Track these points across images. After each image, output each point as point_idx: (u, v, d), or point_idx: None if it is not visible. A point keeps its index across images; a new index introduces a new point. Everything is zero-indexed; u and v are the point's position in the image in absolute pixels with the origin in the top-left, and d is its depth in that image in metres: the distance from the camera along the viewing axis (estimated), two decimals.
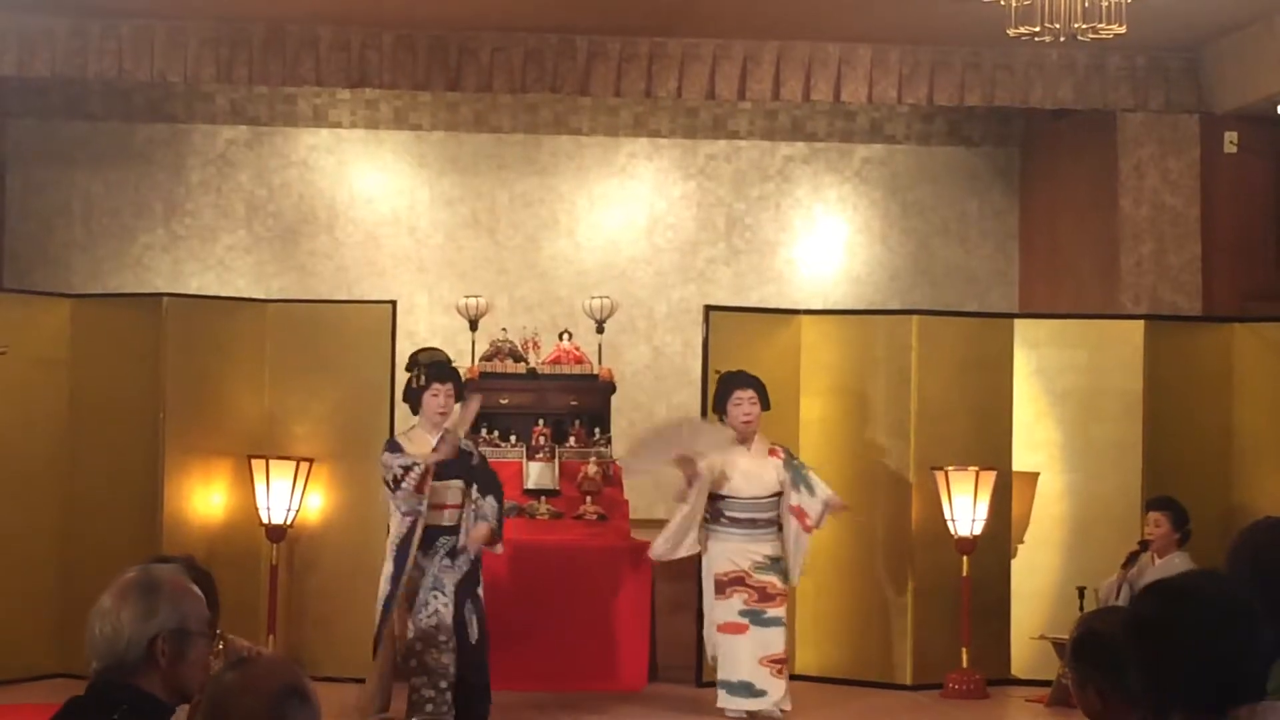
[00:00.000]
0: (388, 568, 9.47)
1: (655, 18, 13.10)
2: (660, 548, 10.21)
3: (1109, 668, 3.72)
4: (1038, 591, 11.45)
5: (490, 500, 9.64)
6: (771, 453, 10.19)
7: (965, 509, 11.00)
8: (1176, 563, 10.00)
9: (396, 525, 9.50)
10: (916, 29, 13.14)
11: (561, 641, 11.01)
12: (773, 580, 10.01)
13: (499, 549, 9.92)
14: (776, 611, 10.02)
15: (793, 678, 10.93)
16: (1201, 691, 3.21)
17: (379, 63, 13.42)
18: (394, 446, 9.63)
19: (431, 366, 9.85)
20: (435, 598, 9.49)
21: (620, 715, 10.45)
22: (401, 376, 10.48)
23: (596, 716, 10.36)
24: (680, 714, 10.43)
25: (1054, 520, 11.57)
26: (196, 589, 3.95)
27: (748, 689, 9.94)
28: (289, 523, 10.96)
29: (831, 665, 11.44)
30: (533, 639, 10.90)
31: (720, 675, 10.07)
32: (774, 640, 9.97)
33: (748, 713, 10.02)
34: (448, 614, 9.44)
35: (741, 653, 9.96)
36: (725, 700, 10.03)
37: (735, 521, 10.05)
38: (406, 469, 9.38)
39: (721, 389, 10.28)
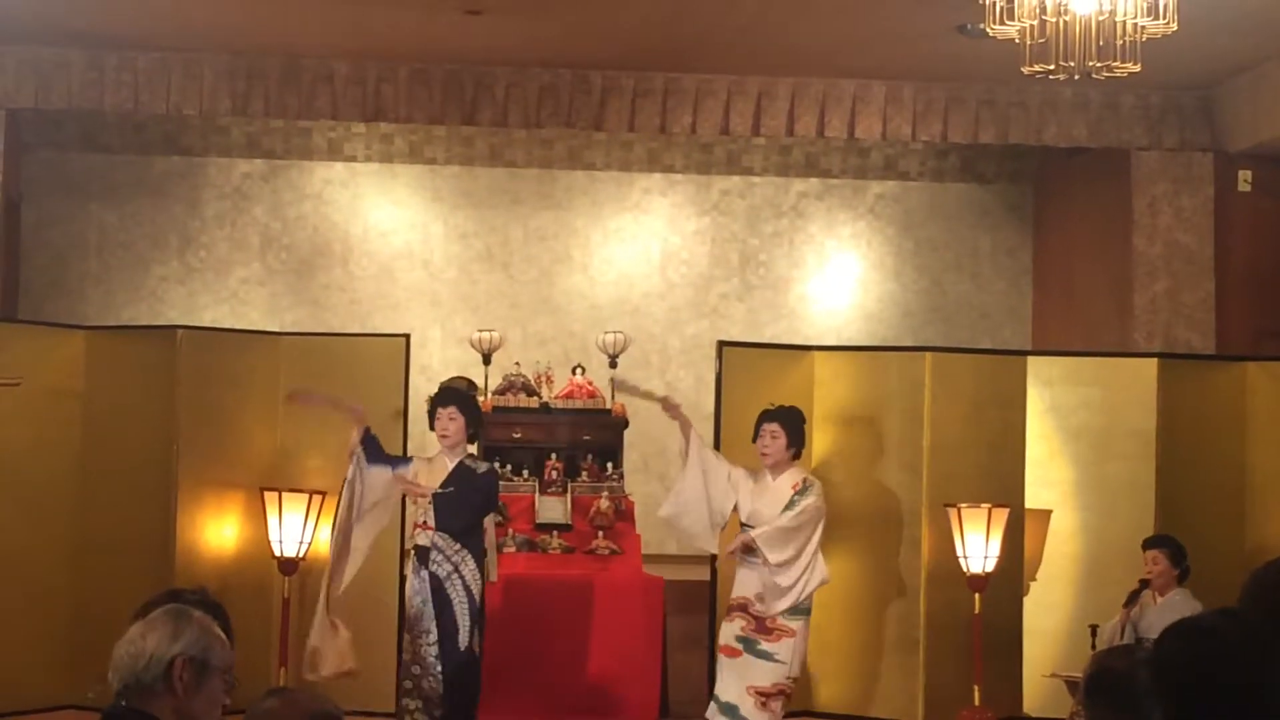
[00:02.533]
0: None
1: (670, 53, 13.13)
2: (667, 509, 10.33)
3: (1122, 706, 3.71)
4: (1050, 629, 11.42)
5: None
6: (794, 486, 10.21)
7: (978, 546, 10.98)
8: (1177, 600, 10.00)
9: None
10: (931, 66, 13.16)
11: (573, 676, 11.00)
12: (774, 615, 10.05)
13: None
14: (772, 646, 10.02)
15: (805, 714, 10.94)
16: None
17: (394, 97, 13.46)
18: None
19: (439, 393, 10.16)
20: (436, 627, 9.66)
21: None
22: (415, 409, 10.61)
23: None
24: None
25: (1067, 558, 11.55)
26: (225, 638, 3.98)
27: (733, 711, 10.06)
28: (301, 555, 10.95)
29: (843, 701, 11.40)
30: (544, 673, 10.89)
31: (715, 693, 10.17)
32: (763, 673, 10.01)
33: None
34: (447, 644, 9.66)
35: (730, 675, 10.08)
36: (715, 716, 10.15)
37: (752, 550, 10.12)
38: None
39: (757, 421, 10.34)
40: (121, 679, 3.87)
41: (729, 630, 10.14)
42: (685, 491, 10.22)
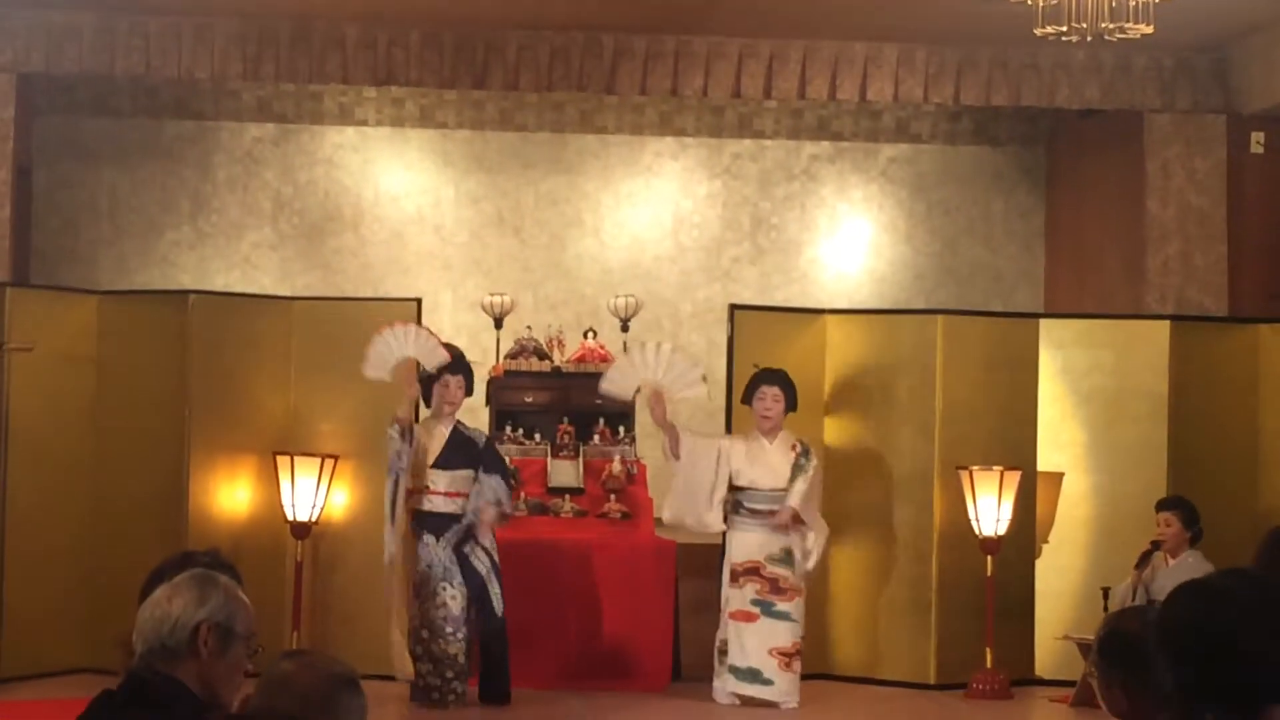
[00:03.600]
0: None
1: (681, 16, 13.09)
2: (668, 512, 10.49)
3: (1135, 667, 3.71)
4: (1062, 592, 11.44)
5: (495, 478, 10.05)
6: (793, 448, 10.36)
7: (990, 509, 10.99)
8: (1189, 562, 10.01)
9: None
10: (943, 28, 13.12)
11: (585, 640, 11.02)
12: (786, 574, 10.26)
13: (507, 517, 10.31)
14: (787, 606, 10.26)
15: (816, 676, 10.98)
16: (1234, 691, 3.19)
17: (405, 61, 13.43)
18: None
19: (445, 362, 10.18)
20: (444, 589, 9.83)
21: (643, 714, 10.45)
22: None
23: (619, 715, 10.36)
24: (703, 713, 10.44)
25: (1078, 521, 11.55)
26: (248, 604, 3.99)
27: (755, 675, 10.17)
28: (314, 519, 10.97)
29: (855, 665, 11.42)
30: (555, 637, 10.91)
31: (730, 661, 10.21)
32: (783, 633, 10.21)
33: (744, 698, 10.24)
34: (455, 605, 9.78)
35: (751, 640, 10.21)
36: (732, 685, 10.27)
37: (754, 513, 10.34)
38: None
39: (751, 383, 10.50)
40: (146, 642, 3.87)
41: (741, 596, 10.20)
42: (679, 490, 10.40)
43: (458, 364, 10.21)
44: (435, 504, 9.99)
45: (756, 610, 10.18)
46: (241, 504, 11.11)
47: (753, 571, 10.21)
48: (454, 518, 9.99)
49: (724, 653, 10.31)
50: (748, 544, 10.28)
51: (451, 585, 9.83)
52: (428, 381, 10.12)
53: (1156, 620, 3.35)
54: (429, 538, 9.92)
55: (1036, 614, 11.45)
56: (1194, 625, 3.24)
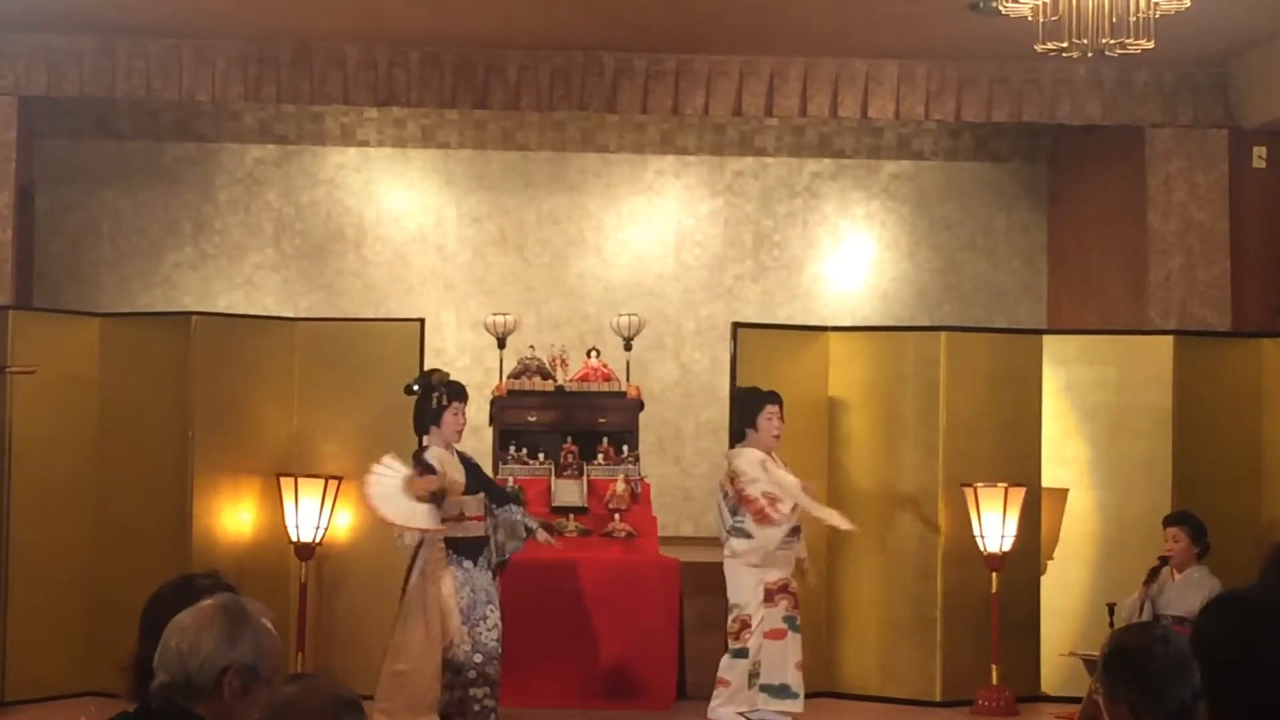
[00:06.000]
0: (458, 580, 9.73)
1: (682, 35, 13.11)
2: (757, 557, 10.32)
3: (1141, 683, 3.70)
4: (1067, 608, 11.43)
5: (511, 508, 9.97)
6: (784, 464, 10.44)
7: (994, 525, 10.98)
8: (1196, 577, 9.99)
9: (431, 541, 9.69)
10: (944, 45, 13.13)
11: (589, 659, 11.01)
12: (797, 586, 10.26)
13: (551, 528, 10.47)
14: (799, 617, 10.26)
15: (823, 694, 10.99)
16: (1268, 706, 3.17)
17: (406, 81, 13.44)
18: (429, 465, 9.78)
19: (453, 385, 10.07)
20: (491, 611, 9.76)
21: None
22: None
23: None
24: None
25: (1083, 536, 11.54)
26: (276, 635, 3.97)
27: (785, 691, 10.22)
28: (318, 541, 10.97)
29: (861, 682, 11.41)
30: (560, 657, 10.90)
31: (763, 680, 10.19)
32: (799, 645, 10.32)
33: (769, 714, 10.21)
34: (501, 626, 9.68)
35: (781, 657, 10.20)
36: (762, 702, 10.21)
37: (791, 531, 10.25)
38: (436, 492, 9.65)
39: (752, 403, 10.42)
40: (169, 673, 3.84)
41: (775, 614, 10.20)
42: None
43: (465, 391, 10.18)
44: (470, 529, 9.89)
45: (785, 627, 10.19)
46: (245, 525, 11.11)
47: (784, 589, 10.24)
48: (483, 540, 9.93)
49: (755, 675, 10.24)
50: (780, 562, 10.28)
51: (495, 606, 9.79)
52: (437, 412, 9.95)
53: (1191, 636, 3.33)
54: (468, 563, 9.83)
55: (1042, 630, 11.44)
56: (1222, 638, 3.23)
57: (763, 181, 15.78)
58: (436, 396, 9.96)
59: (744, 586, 10.25)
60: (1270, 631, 3.20)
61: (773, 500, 10.12)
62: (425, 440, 10.00)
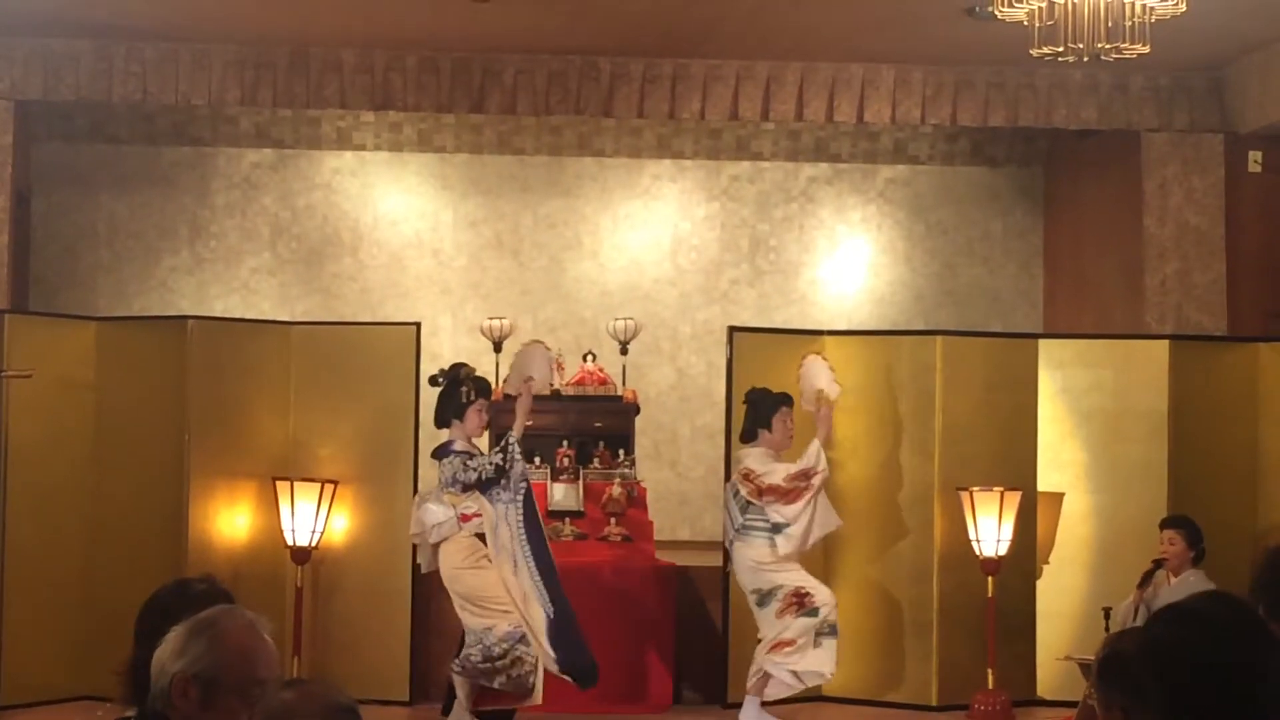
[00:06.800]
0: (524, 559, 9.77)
1: (678, 39, 13.11)
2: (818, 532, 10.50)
3: (1134, 689, 3.70)
4: (1063, 612, 11.43)
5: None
6: None
7: (990, 529, 10.98)
8: (1191, 581, 9.98)
9: (506, 514, 9.69)
10: (940, 50, 13.14)
11: None
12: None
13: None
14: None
15: (818, 699, 10.98)
16: (1217, 713, 3.20)
17: (403, 85, 13.45)
18: (456, 451, 9.81)
19: (480, 381, 10.09)
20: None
21: None
22: (426, 396, 10.53)
23: None
24: None
25: (1079, 541, 11.55)
26: (270, 644, 3.91)
27: (835, 630, 10.38)
28: (314, 545, 10.96)
29: (857, 686, 11.40)
30: None
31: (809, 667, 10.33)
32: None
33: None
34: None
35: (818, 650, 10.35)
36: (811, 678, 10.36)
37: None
38: (504, 449, 9.70)
39: (768, 404, 10.53)
40: (153, 682, 3.88)
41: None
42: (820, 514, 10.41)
43: (491, 388, 10.27)
44: (475, 526, 9.94)
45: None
46: (241, 530, 11.11)
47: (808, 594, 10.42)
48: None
49: (823, 632, 10.31)
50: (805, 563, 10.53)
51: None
52: (463, 406, 9.96)
53: (1140, 643, 3.36)
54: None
55: (1038, 634, 11.44)
56: (1173, 647, 3.26)
57: (759, 186, 15.79)
58: (465, 390, 9.92)
59: (781, 590, 10.36)
60: (1220, 640, 3.22)
61: (803, 473, 10.26)
62: (448, 434, 9.96)
